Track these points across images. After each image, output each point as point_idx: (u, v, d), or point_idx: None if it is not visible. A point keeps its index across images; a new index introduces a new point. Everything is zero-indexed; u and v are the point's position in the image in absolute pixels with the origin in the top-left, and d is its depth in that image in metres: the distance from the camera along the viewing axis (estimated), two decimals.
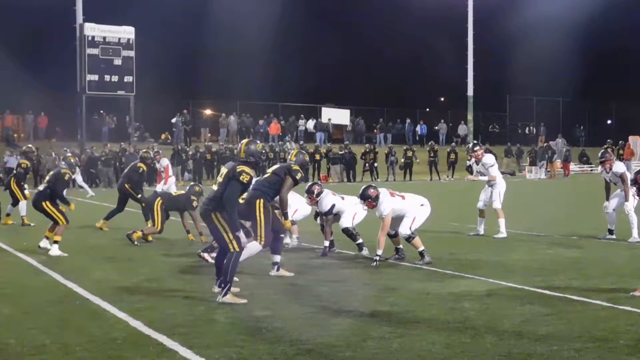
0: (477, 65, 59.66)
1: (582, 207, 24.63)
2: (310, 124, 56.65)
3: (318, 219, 15.41)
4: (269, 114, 56.17)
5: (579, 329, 8.58)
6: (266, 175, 13.11)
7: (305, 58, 60.99)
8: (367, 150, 48.07)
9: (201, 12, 57.93)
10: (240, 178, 10.49)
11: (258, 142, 11.45)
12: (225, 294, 10.22)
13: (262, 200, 12.35)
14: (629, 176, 15.52)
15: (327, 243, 14.86)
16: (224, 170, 10.91)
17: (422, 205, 13.96)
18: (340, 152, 47.52)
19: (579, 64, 62.20)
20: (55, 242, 15.24)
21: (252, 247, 12.00)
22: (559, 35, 62.16)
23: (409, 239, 13.65)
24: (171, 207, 17.25)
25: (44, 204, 15.55)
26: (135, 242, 16.52)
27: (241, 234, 10.47)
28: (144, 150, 22.45)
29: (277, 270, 12.50)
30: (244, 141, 11.29)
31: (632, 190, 14.25)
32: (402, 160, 48.68)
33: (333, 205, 14.77)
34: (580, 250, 15.32)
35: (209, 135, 54.87)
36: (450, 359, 7.59)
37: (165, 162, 26.29)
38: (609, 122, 74.68)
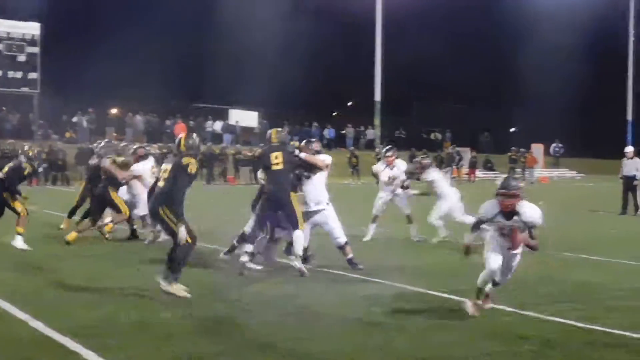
0: (384, 71, 60.04)
1: None
2: (218, 125, 56.37)
3: None
4: (175, 114, 55.68)
5: (485, 334, 8.66)
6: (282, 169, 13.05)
7: (214, 59, 60.61)
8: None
9: (107, 9, 57.23)
10: (189, 170, 10.61)
11: (194, 135, 11.48)
12: (170, 283, 10.38)
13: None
14: (443, 182, 16.77)
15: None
16: (166, 166, 10.88)
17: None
18: (249, 154, 47.42)
19: (484, 71, 63.13)
20: (19, 234, 15.15)
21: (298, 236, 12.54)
22: (461, 42, 63.02)
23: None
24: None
25: (4, 194, 15.36)
26: (107, 236, 16.54)
27: (182, 228, 10.45)
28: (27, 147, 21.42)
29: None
30: (182, 135, 11.32)
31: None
32: None
33: None
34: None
35: (115, 134, 54.15)
36: None
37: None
38: (512, 130, 75.91)
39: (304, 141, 14.04)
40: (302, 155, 13.04)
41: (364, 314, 9.66)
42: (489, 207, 9.47)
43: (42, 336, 8.43)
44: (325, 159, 13.46)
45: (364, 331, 8.77)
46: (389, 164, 17.79)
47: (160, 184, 10.89)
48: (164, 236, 15.55)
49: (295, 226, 12.60)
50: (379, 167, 18.12)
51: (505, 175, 11.13)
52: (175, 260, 10.40)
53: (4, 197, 15.46)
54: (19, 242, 15.19)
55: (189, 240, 10.45)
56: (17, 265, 13.38)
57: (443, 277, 12.53)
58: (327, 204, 13.32)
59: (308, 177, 13.25)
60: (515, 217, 9.20)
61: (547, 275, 12.89)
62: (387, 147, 18.75)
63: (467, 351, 7.92)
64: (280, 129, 13.78)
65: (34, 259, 14.25)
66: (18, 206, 15.48)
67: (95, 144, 20.05)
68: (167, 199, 10.59)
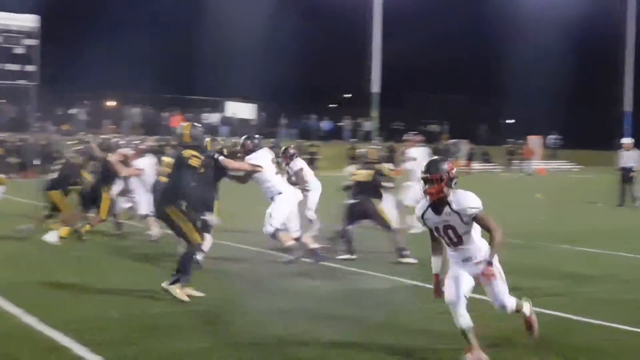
0: (382, 62, 59.89)
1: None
2: (215, 117, 56.29)
3: None
4: (172, 106, 55.60)
5: (481, 327, 8.58)
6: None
7: (212, 51, 60.58)
8: (272, 145, 48.03)
9: (104, 1, 57.15)
10: (190, 162, 10.25)
11: (197, 124, 11.22)
12: (174, 283, 9.92)
13: None
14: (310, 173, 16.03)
15: None
16: (168, 160, 10.55)
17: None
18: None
19: (483, 62, 63.07)
20: (54, 229, 15.25)
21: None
22: (459, 33, 62.92)
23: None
24: None
25: (54, 192, 15.59)
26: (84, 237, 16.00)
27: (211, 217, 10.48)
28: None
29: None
30: (186, 125, 10.91)
31: None
32: (306, 156, 48.95)
33: None
34: None
35: (111, 127, 54.04)
36: (350, 357, 7.53)
37: None
38: (511, 121, 75.78)
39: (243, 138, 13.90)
40: (221, 159, 12.83)
41: (355, 310, 9.59)
42: (420, 204, 7.78)
43: (34, 331, 8.38)
44: (258, 157, 13.24)
45: (354, 328, 8.69)
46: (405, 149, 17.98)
47: (162, 179, 10.59)
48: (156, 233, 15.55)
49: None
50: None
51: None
52: (182, 261, 10.09)
53: (53, 195, 15.66)
54: (51, 236, 15.22)
55: (197, 240, 10.21)
56: (10, 261, 13.32)
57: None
58: (279, 194, 13.24)
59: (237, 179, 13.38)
60: (446, 209, 7.49)
61: (542, 268, 12.85)
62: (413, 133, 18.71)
63: (458, 345, 7.85)
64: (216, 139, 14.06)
65: (27, 254, 14.17)
66: (65, 203, 15.60)
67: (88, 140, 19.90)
68: (173, 197, 10.26)
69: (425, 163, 7.70)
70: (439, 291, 7.69)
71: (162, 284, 9.97)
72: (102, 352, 7.50)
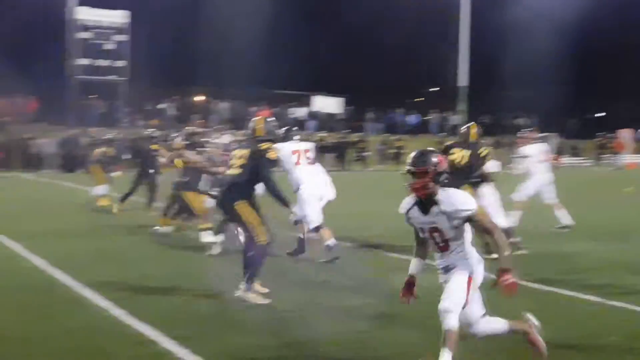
0: (469, 55, 59.45)
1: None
2: (303, 111, 56.43)
3: None
4: (260, 101, 55.88)
5: (568, 324, 8.44)
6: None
7: (299, 46, 60.76)
8: (357, 139, 48.08)
9: None
10: (268, 155, 9.84)
11: (269, 118, 10.68)
12: (248, 289, 9.56)
13: None
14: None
15: None
16: (239, 152, 10.16)
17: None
18: (333, 141, 47.51)
19: (571, 55, 62.12)
20: (202, 229, 15.03)
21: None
22: (550, 28, 62.02)
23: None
24: None
25: (190, 193, 15.42)
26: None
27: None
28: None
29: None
30: (259, 119, 10.46)
31: None
32: (392, 150, 48.89)
33: None
34: (570, 245, 15.04)
35: (199, 122, 54.50)
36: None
37: None
38: (601, 114, 74.62)
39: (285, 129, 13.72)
40: None
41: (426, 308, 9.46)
42: (406, 200, 6.94)
43: (122, 324, 8.47)
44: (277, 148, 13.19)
45: (424, 328, 8.58)
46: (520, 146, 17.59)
47: (233, 171, 10.03)
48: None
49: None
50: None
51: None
52: (250, 263, 9.63)
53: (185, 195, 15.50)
54: (206, 237, 14.98)
55: (263, 240, 9.62)
56: (104, 256, 13.45)
57: (530, 265, 12.22)
58: (298, 189, 13.17)
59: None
60: (434, 209, 6.69)
61: (634, 264, 12.57)
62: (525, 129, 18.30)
63: (552, 342, 7.65)
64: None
65: (122, 250, 14.34)
66: (195, 202, 15.40)
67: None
68: (244, 192, 9.79)
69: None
70: (408, 293, 7.06)
71: (235, 294, 9.67)
72: (189, 346, 7.54)
